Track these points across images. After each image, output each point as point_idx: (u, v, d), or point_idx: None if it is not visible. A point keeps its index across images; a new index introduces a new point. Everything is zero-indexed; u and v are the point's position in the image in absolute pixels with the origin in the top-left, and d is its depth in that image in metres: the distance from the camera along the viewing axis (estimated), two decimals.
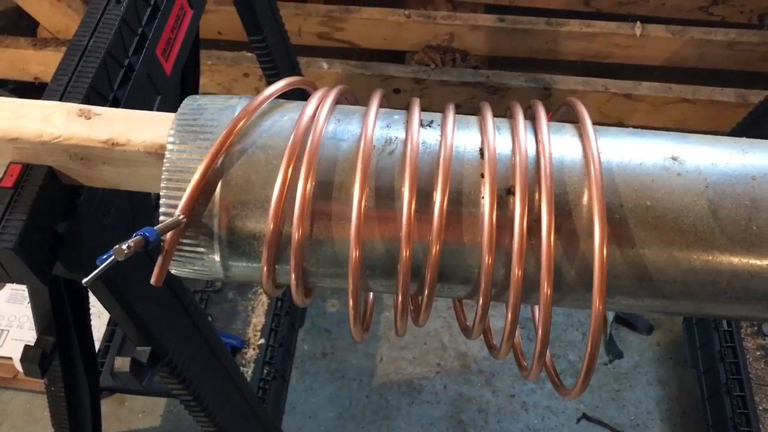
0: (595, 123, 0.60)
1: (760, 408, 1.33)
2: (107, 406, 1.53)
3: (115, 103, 0.72)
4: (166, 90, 0.84)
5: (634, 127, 0.65)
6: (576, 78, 1.94)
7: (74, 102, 0.66)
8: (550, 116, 0.67)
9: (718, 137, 0.61)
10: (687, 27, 2.01)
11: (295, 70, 1.44)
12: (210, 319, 1.40)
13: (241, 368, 1.33)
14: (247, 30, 1.22)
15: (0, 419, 1.55)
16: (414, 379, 1.62)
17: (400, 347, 1.67)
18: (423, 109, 0.61)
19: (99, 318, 1.53)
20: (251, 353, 1.36)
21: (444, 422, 1.56)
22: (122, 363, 0.75)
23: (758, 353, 1.41)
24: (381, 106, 0.64)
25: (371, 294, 0.73)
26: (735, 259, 0.55)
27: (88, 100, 0.67)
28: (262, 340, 1.37)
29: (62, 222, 0.63)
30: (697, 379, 1.51)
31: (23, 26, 2.13)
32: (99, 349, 1.40)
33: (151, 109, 0.78)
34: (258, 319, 1.40)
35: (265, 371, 1.34)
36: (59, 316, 0.78)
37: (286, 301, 1.45)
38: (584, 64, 2.10)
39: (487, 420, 1.57)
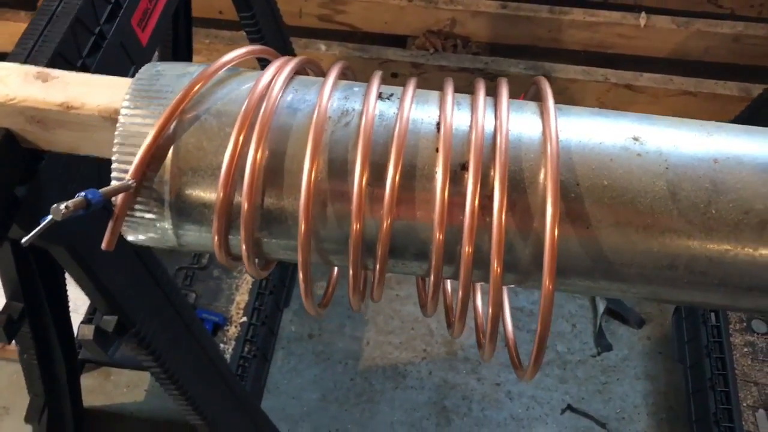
0: None
1: (744, 404, 1.32)
2: (92, 379, 1.54)
3: (84, 71, 0.71)
4: (142, 61, 0.84)
5: None
6: (576, 67, 1.92)
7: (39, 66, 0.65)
8: (523, 96, 0.66)
9: (686, 120, 0.60)
10: (692, 19, 1.99)
11: (287, 50, 1.43)
12: (194, 295, 1.40)
13: (222, 345, 1.34)
14: (237, 7, 1.22)
15: None
16: (399, 364, 1.62)
17: (387, 332, 1.66)
18: None
19: None
20: (233, 331, 1.36)
21: (427, 408, 1.56)
22: (87, 331, 0.75)
23: (745, 349, 1.39)
24: (345, 78, 0.63)
25: (335, 269, 0.73)
26: (693, 243, 0.54)
27: (53, 66, 0.67)
28: (244, 318, 1.37)
29: (21, 186, 0.63)
30: (683, 374, 1.50)
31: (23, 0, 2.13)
32: (83, 319, 1.40)
33: None
34: (242, 297, 1.40)
35: (245, 349, 1.34)
36: (27, 282, 0.78)
37: (271, 281, 1.45)
38: (587, 53, 2.08)
39: (470, 407, 1.57)
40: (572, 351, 1.67)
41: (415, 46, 2.05)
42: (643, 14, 1.99)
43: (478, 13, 2.00)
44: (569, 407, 1.59)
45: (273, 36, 1.31)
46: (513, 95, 0.62)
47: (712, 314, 1.44)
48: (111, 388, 1.55)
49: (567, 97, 1.91)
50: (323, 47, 1.93)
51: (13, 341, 0.92)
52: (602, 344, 1.68)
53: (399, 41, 2.08)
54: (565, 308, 1.73)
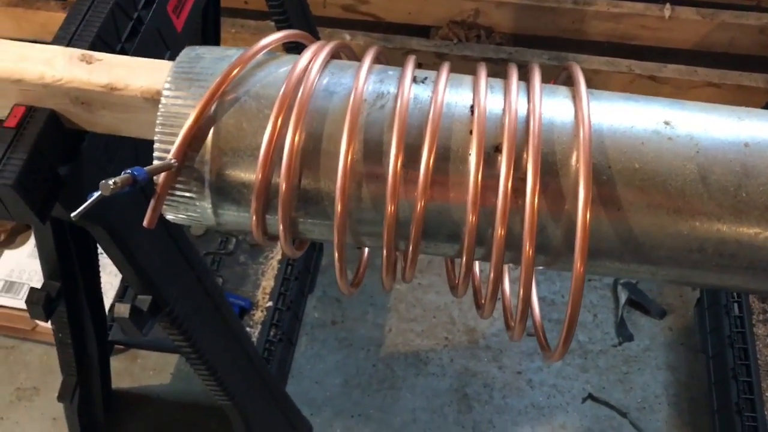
0: None
1: (767, 394, 1.32)
2: (119, 362, 1.57)
3: (123, 55, 0.73)
4: (177, 46, 0.85)
5: None
6: (600, 58, 1.91)
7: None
8: (553, 82, 0.67)
9: (716, 105, 0.61)
10: (718, 10, 1.97)
11: (315, 38, 1.45)
12: (221, 280, 1.42)
13: (249, 329, 1.36)
14: None
15: (18, 369, 1.60)
16: (421, 351, 1.63)
17: (409, 320, 1.68)
18: None
19: (116, 276, 1.57)
20: (259, 315, 1.38)
21: (449, 395, 1.58)
22: (123, 309, 0.77)
23: None
24: (378, 63, 0.64)
25: (366, 251, 0.74)
26: (722, 226, 0.55)
27: (94, 49, 0.69)
28: (270, 303, 1.39)
29: (64, 165, 0.65)
30: (705, 364, 1.50)
31: None
32: (112, 305, 1.43)
33: None
34: (268, 283, 1.42)
35: (271, 333, 1.36)
36: (64, 262, 0.80)
37: (296, 267, 1.47)
38: (611, 45, 2.07)
39: (492, 395, 1.58)
40: (593, 341, 1.67)
41: (439, 36, 2.05)
42: (667, 5, 1.98)
43: (501, 3, 2.00)
44: (590, 396, 1.59)
45: (300, 24, 1.32)
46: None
47: (735, 305, 1.44)
48: (138, 371, 1.58)
49: (591, 87, 1.90)
50: (348, 37, 1.94)
51: (48, 323, 0.95)
52: (624, 334, 1.68)
53: (422, 31, 2.09)
54: (586, 298, 1.74)
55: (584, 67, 1.90)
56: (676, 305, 1.73)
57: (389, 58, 0.66)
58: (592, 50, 2.01)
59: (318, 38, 1.53)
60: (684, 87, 1.89)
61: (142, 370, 1.58)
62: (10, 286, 1.63)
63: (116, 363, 1.56)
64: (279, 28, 1.29)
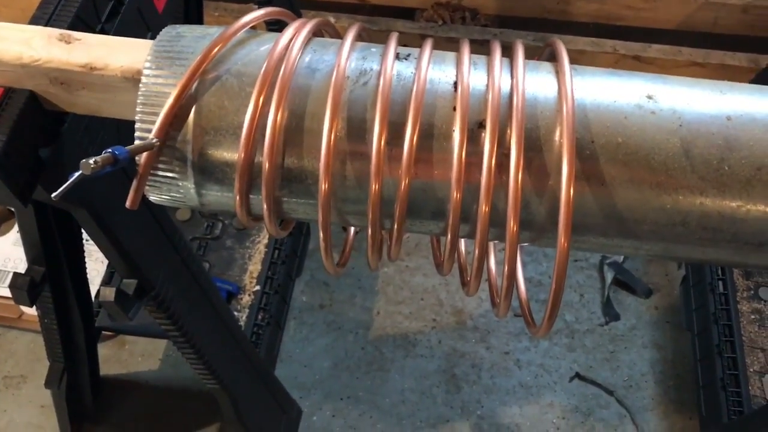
0: None
1: (751, 370, 1.34)
2: (108, 349, 1.57)
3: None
4: (158, 27, 0.84)
5: None
6: (585, 39, 1.91)
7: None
8: (537, 59, 0.67)
9: (699, 79, 0.61)
10: None
11: None
12: (207, 265, 1.42)
13: (237, 313, 1.36)
14: None
15: (5, 357, 1.59)
16: (409, 333, 1.64)
17: (397, 302, 1.68)
18: None
19: (103, 263, 1.56)
20: (246, 299, 1.38)
21: (437, 376, 1.59)
22: (108, 293, 0.77)
23: (752, 317, 1.41)
24: (361, 40, 0.64)
25: (351, 231, 0.74)
26: (705, 200, 0.55)
27: (73, 30, 0.68)
28: (257, 287, 1.39)
29: (45, 148, 0.64)
30: (691, 341, 1.52)
31: None
32: (98, 291, 1.42)
33: None
34: (255, 267, 1.42)
35: (259, 317, 1.36)
36: (48, 246, 0.79)
37: (283, 251, 1.47)
38: (596, 26, 2.07)
39: (480, 375, 1.59)
40: (580, 320, 1.69)
41: (424, 18, 2.04)
42: None
43: None
44: (577, 375, 1.61)
45: (283, 6, 1.31)
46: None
47: (720, 282, 1.45)
48: (126, 356, 1.58)
49: None
50: (332, 19, 1.93)
51: (33, 308, 0.94)
52: (610, 314, 1.69)
53: (407, 13, 2.08)
54: (573, 278, 1.75)
55: (569, 48, 1.90)
56: (662, 284, 1.74)
57: (374, 40, 0.66)
58: (578, 31, 2.01)
59: (301, 17, 1.52)
60: (668, 66, 1.89)
61: (130, 356, 1.58)
62: None
63: (104, 350, 1.56)
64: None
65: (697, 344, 1.47)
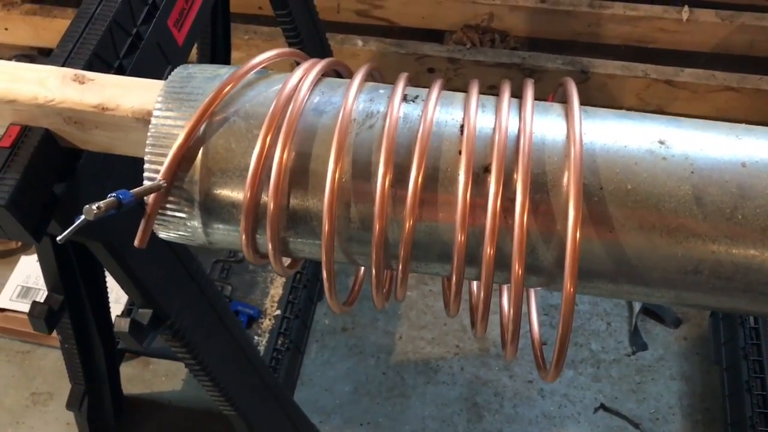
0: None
1: None
2: (132, 368, 1.58)
3: (120, 71, 0.74)
4: (178, 60, 0.86)
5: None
6: (615, 62, 1.89)
7: (77, 68, 0.68)
8: (552, 97, 0.66)
9: (715, 122, 0.59)
10: (737, 12, 1.94)
11: (324, 47, 1.45)
12: (230, 288, 1.43)
13: (257, 338, 1.36)
14: (273, 5, 1.23)
15: (33, 373, 1.62)
16: (432, 359, 1.62)
17: (419, 327, 1.67)
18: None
19: None
20: (267, 323, 1.38)
21: (459, 403, 1.57)
22: (123, 323, 0.78)
23: None
24: (373, 80, 0.64)
25: (362, 267, 0.74)
26: (718, 248, 0.54)
27: (90, 67, 0.69)
28: (278, 311, 1.40)
29: (60, 183, 0.65)
30: (720, 375, 1.48)
31: None
32: (122, 312, 1.44)
33: (161, 78, 0.80)
34: (276, 291, 1.42)
35: (279, 342, 1.37)
36: (66, 275, 0.81)
37: (304, 275, 1.47)
38: (627, 48, 2.05)
39: (502, 404, 1.57)
40: (606, 350, 1.65)
41: (453, 40, 2.04)
42: (685, 8, 1.95)
43: (516, 7, 1.99)
44: (602, 406, 1.57)
45: (309, 33, 1.32)
46: (548, 93, 0.61)
47: (751, 316, 1.41)
48: (150, 376, 1.59)
49: (606, 93, 1.88)
50: (360, 43, 1.94)
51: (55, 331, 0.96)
52: (637, 343, 1.66)
53: (436, 36, 2.08)
54: (600, 306, 1.72)
55: (599, 72, 1.88)
56: (692, 314, 1.70)
57: (402, 64, 0.65)
58: (608, 54, 1.99)
59: (327, 46, 1.53)
60: (701, 91, 1.86)
61: (153, 375, 1.59)
62: (26, 292, 1.65)
63: (128, 369, 1.57)
64: (287, 38, 1.29)
65: (725, 379, 1.43)
